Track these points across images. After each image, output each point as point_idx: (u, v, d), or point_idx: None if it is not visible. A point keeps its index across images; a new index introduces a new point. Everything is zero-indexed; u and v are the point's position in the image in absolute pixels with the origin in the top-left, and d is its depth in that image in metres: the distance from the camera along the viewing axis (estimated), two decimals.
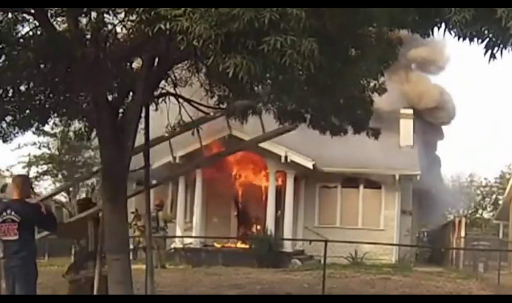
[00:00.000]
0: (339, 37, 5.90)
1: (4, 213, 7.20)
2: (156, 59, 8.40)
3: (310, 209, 22.41)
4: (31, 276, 7.31)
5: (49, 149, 23.96)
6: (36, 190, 25.29)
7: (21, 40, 8.17)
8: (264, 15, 4.95)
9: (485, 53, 5.55)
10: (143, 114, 9.15)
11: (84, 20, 8.13)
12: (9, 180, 25.54)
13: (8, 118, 9.20)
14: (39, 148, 23.82)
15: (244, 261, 18.70)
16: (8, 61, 8.44)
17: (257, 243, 19.84)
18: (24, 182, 7.60)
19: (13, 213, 7.13)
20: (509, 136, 53.51)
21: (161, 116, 10.36)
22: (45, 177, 25.29)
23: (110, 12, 7.71)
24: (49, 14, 7.88)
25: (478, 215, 42.32)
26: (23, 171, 25.20)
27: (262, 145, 20.00)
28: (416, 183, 23.02)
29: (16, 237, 7.13)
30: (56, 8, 7.84)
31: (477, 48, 5.50)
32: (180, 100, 9.96)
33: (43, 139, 23.53)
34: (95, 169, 21.01)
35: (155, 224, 18.49)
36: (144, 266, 10.04)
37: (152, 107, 9.70)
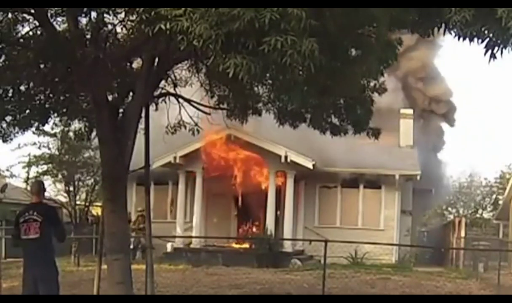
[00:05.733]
0: (339, 37, 5.90)
1: (26, 214, 7.59)
2: (156, 59, 8.40)
3: (310, 209, 22.39)
4: (54, 274, 7.65)
5: (49, 149, 23.91)
6: None
7: (21, 40, 8.17)
8: (265, 15, 4.94)
9: (485, 53, 5.54)
10: (143, 114, 9.16)
11: (84, 20, 8.14)
12: (9, 180, 25.54)
13: (8, 118, 9.21)
14: (39, 148, 23.77)
15: (244, 261, 18.68)
16: (8, 61, 8.45)
17: (257, 243, 19.83)
18: (41, 187, 8.07)
19: (35, 213, 7.54)
20: (509, 136, 53.53)
21: (161, 116, 10.38)
22: (45, 177, 25.24)
23: (110, 12, 7.71)
24: (49, 14, 7.88)
25: (478, 215, 42.27)
26: (23, 171, 25.21)
27: (262, 145, 20.09)
28: (417, 183, 23.01)
29: (37, 235, 7.47)
30: (56, 8, 7.84)
31: (477, 48, 5.50)
32: (180, 100, 9.97)
33: (43, 139, 23.50)
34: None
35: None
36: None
37: (152, 107, 9.70)
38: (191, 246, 20.56)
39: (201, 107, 10.28)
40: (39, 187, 8.00)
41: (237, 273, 16.55)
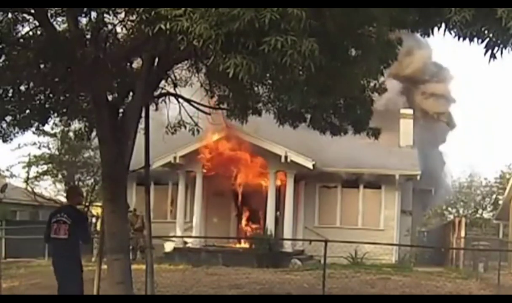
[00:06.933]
0: (339, 37, 5.90)
1: (58, 215, 8.29)
2: (156, 59, 8.40)
3: (310, 209, 22.40)
4: (78, 272, 8.28)
5: (49, 149, 23.96)
6: (36, 190, 25.37)
7: (21, 40, 8.17)
8: (265, 15, 4.94)
9: (485, 53, 5.54)
10: (143, 114, 9.16)
11: (84, 20, 8.14)
12: (9, 180, 25.57)
13: (8, 118, 9.21)
14: (39, 148, 23.83)
15: (244, 261, 18.69)
16: (8, 61, 8.45)
17: (257, 243, 19.84)
18: (74, 192, 9.07)
19: (65, 215, 8.25)
20: (509, 136, 53.56)
21: (161, 116, 10.38)
22: (45, 177, 25.30)
23: (110, 12, 7.71)
24: (49, 14, 7.88)
25: (478, 215, 42.29)
26: (23, 171, 25.25)
27: (262, 145, 20.09)
28: (417, 183, 23.01)
29: (65, 237, 8.10)
30: (56, 8, 7.84)
31: (477, 48, 5.51)
32: (180, 100, 9.97)
33: (43, 139, 23.55)
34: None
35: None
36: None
37: (152, 107, 9.71)
38: (191, 246, 20.57)
39: (201, 107, 10.28)
40: (71, 192, 8.99)
41: (237, 273, 16.56)
